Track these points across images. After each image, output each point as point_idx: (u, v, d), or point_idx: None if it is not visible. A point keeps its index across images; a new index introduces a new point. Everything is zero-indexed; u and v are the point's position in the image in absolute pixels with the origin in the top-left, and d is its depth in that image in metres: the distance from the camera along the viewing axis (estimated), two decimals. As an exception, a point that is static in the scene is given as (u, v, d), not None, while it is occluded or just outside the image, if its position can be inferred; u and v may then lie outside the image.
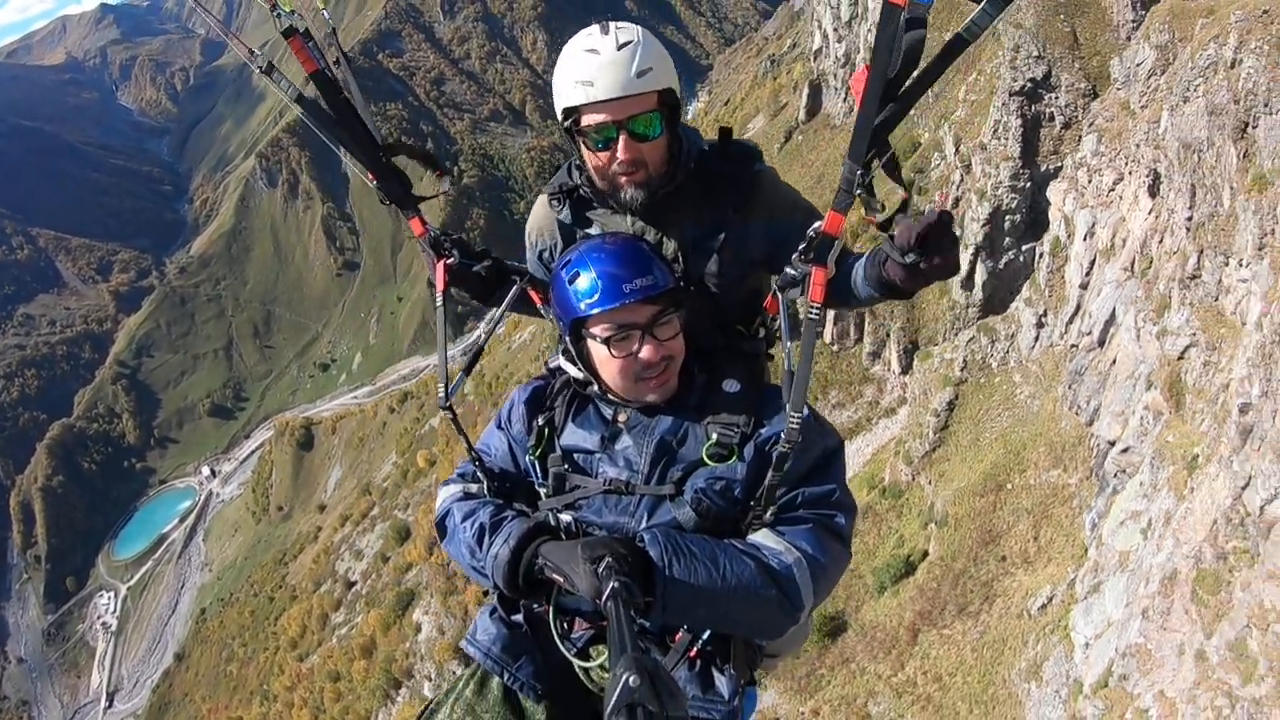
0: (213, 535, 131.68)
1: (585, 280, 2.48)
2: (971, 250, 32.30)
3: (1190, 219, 20.21)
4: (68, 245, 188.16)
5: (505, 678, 2.54)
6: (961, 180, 34.00)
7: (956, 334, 34.19)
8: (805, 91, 57.57)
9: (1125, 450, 21.25)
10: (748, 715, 2.58)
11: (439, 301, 2.96)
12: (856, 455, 37.87)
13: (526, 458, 2.72)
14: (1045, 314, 29.64)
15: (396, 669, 58.04)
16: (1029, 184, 30.92)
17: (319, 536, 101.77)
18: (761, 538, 2.36)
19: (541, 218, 3.08)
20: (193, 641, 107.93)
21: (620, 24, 2.58)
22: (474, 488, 2.75)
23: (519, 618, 2.64)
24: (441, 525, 2.72)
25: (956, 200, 33.80)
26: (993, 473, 28.31)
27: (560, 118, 2.66)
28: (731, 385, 2.63)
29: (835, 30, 53.14)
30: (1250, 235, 17.73)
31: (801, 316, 2.39)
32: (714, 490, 2.44)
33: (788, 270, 2.49)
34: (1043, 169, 30.96)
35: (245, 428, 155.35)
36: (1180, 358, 19.67)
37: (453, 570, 57.51)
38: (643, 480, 2.51)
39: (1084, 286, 26.64)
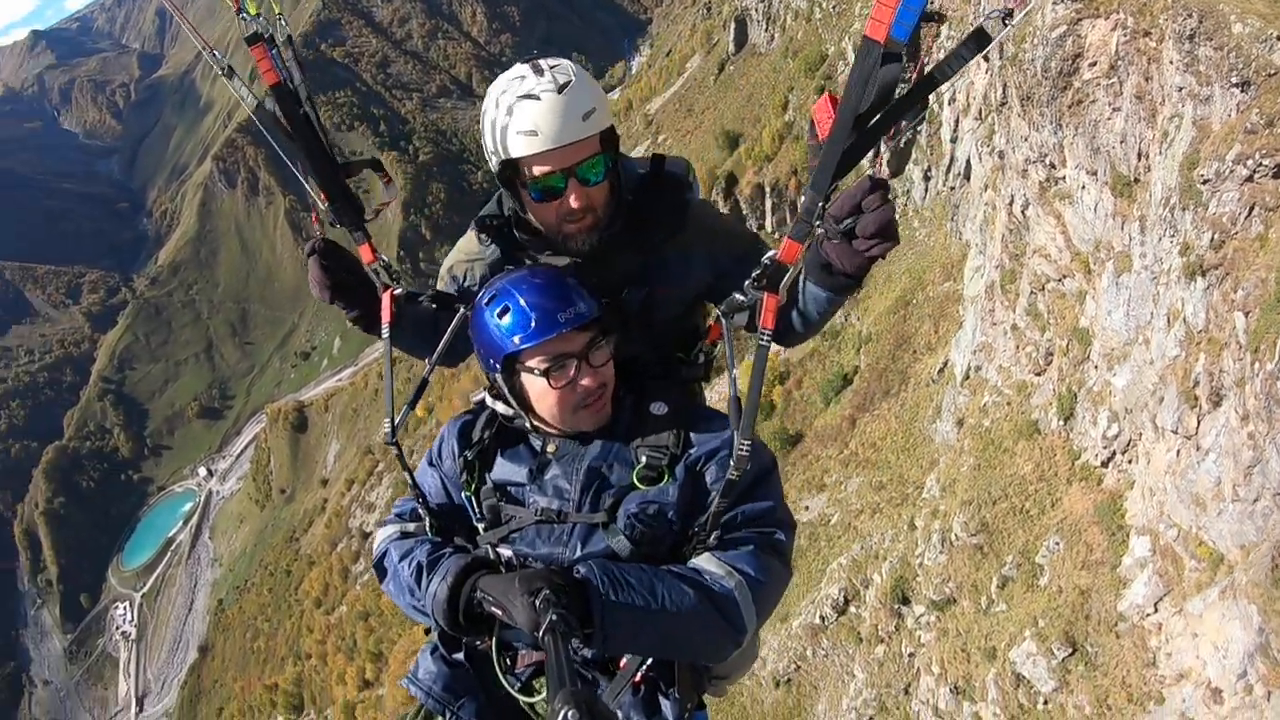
0: (219, 531, 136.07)
1: (514, 314, 2.46)
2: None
3: (1001, 67, 28.77)
4: (34, 274, 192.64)
5: (448, 717, 2.60)
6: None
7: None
8: (732, 27, 66.15)
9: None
10: None
11: (385, 334, 2.89)
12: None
13: (461, 494, 2.73)
14: (929, 169, 38.71)
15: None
16: (913, 76, 39.72)
17: (326, 506, 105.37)
18: (702, 561, 2.40)
19: (469, 252, 3.03)
20: (214, 633, 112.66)
21: (550, 60, 2.56)
22: (411, 527, 2.79)
23: (460, 656, 2.70)
24: (380, 566, 2.75)
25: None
26: (902, 296, 37.32)
27: (496, 169, 2.64)
28: (659, 407, 2.65)
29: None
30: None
31: (747, 342, 2.42)
32: (647, 515, 2.47)
33: (736, 296, 2.50)
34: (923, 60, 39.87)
35: (236, 424, 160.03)
36: (997, 166, 28.26)
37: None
38: (574, 508, 2.53)
39: (953, 140, 35.38)
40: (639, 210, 2.79)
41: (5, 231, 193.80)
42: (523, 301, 2.46)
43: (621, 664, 2.53)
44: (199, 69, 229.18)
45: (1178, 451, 16.43)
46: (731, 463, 2.34)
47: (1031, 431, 22.36)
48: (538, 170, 2.55)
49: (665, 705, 2.52)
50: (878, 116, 2.04)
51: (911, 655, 24.85)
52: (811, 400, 41.32)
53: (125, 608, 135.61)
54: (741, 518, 2.46)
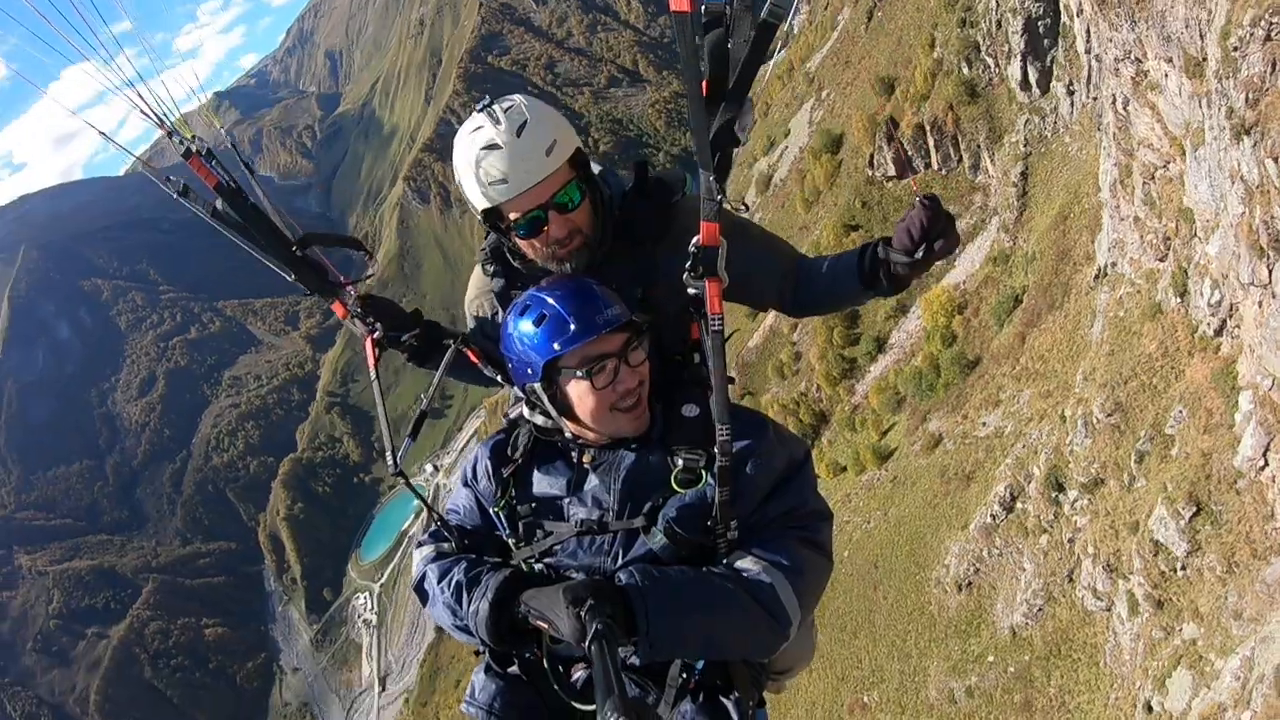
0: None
1: (551, 320, 2.53)
2: (1019, 56, 42.96)
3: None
4: (253, 308, 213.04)
5: None
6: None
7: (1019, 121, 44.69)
8: (873, -32, 67.49)
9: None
10: None
11: (373, 376, 3.15)
12: (978, 252, 48.57)
13: (493, 510, 2.82)
14: (1071, 83, 39.93)
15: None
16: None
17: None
18: (740, 560, 2.49)
19: (479, 287, 3.27)
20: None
21: (504, 103, 2.69)
22: (447, 546, 2.85)
23: (514, 669, 2.76)
24: (420, 589, 2.80)
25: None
26: (1061, 211, 39.06)
27: (479, 217, 2.83)
28: (691, 410, 2.70)
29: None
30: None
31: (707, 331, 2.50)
32: (687, 517, 2.55)
33: (689, 290, 2.55)
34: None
35: (456, 421, 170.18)
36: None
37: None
38: (614, 517, 2.60)
39: (1088, 51, 36.58)
40: (627, 220, 2.93)
41: (221, 275, 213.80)
42: (558, 307, 2.54)
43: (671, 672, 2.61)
44: (376, 99, 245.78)
45: (1260, 303, 18.34)
46: (716, 449, 2.45)
47: (1155, 313, 24.31)
48: (517, 212, 2.72)
49: (727, 706, 2.59)
50: (734, 78, 2.18)
51: (1071, 541, 27.19)
52: (987, 324, 43.89)
53: (366, 598, 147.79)
54: (775, 513, 2.57)
